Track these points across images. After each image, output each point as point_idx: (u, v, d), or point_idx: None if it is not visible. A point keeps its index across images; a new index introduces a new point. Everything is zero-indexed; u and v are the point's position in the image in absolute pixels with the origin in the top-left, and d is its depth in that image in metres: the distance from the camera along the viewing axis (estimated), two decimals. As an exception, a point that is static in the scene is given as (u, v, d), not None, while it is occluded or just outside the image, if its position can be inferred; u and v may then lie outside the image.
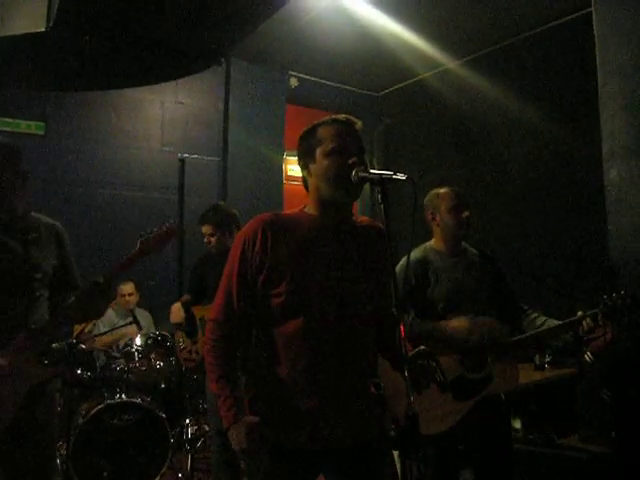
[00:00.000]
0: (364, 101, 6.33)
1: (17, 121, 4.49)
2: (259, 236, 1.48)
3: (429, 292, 2.31)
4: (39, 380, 1.81)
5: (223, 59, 5.25)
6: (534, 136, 4.72)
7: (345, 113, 1.59)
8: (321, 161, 1.49)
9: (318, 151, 1.50)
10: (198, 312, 3.25)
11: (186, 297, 3.35)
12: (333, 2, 4.37)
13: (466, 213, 2.36)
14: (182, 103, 5.32)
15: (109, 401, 3.33)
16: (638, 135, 3.47)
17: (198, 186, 5.27)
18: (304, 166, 1.56)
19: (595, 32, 3.75)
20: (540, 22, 4.64)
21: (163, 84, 5.19)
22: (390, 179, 1.32)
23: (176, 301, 3.38)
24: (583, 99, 4.13)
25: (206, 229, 3.07)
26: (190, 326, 3.27)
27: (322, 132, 1.51)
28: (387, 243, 1.39)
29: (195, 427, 3.96)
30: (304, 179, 1.60)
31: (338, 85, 6.13)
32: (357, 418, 1.51)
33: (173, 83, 5.23)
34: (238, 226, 3.05)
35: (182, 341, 3.34)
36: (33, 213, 2.00)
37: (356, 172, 1.42)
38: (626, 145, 3.52)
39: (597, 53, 3.72)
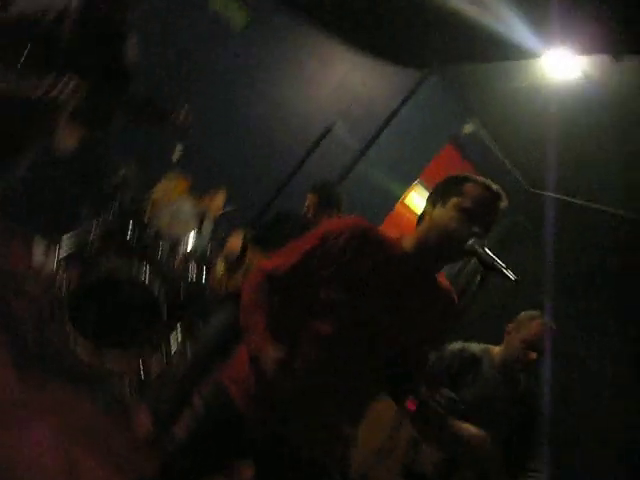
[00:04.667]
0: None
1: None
2: (345, 239, 1.50)
3: (457, 388, 2.33)
4: None
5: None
6: None
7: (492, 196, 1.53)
8: (450, 211, 1.49)
9: (453, 200, 1.49)
10: (251, 254, 3.14)
11: (251, 234, 3.25)
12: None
13: (533, 355, 2.37)
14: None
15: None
16: None
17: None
18: (432, 203, 1.56)
19: None
20: None
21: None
22: (498, 270, 1.36)
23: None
24: None
25: (311, 199, 3.16)
26: (236, 262, 3.22)
27: (468, 188, 1.51)
28: (454, 318, 1.52)
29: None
30: (422, 214, 1.58)
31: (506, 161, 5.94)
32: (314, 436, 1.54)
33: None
34: (339, 209, 3.14)
35: (221, 270, 3.27)
36: None
37: (473, 242, 1.43)
38: None
39: None
